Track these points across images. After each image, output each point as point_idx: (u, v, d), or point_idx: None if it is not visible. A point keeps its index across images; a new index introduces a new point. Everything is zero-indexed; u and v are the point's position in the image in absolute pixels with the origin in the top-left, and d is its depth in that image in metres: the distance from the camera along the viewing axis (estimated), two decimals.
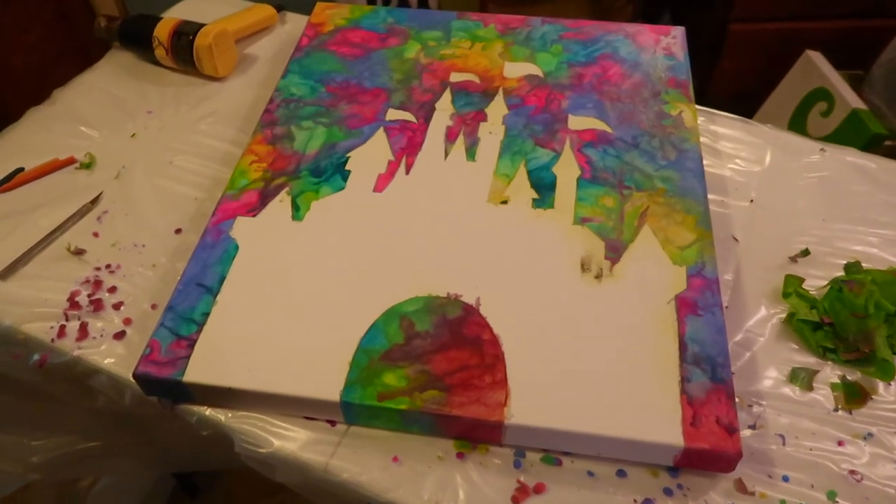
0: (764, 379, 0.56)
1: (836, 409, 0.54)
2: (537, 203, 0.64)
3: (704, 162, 0.69)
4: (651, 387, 0.51)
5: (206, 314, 0.56)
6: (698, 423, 0.50)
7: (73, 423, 0.74)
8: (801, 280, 0.61)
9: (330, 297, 0.57)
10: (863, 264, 0.62)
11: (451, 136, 0.71)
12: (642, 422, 0.50)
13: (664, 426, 0.49)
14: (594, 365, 0.53)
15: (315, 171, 0.67)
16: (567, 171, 0.68)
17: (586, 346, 0.54)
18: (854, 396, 0.55)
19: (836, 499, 0.49)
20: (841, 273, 0.62)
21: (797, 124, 1.25)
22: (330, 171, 0.67)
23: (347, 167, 0.68)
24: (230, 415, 0.53)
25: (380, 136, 0.71)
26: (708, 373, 0.52)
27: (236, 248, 0.61)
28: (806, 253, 0.64)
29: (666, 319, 0.56)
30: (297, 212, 0.64)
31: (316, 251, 0.61)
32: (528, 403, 0.51)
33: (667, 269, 0.59)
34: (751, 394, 0.55)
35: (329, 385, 0.52)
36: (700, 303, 0.57)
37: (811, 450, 0.52)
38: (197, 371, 0.52)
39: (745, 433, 0.53)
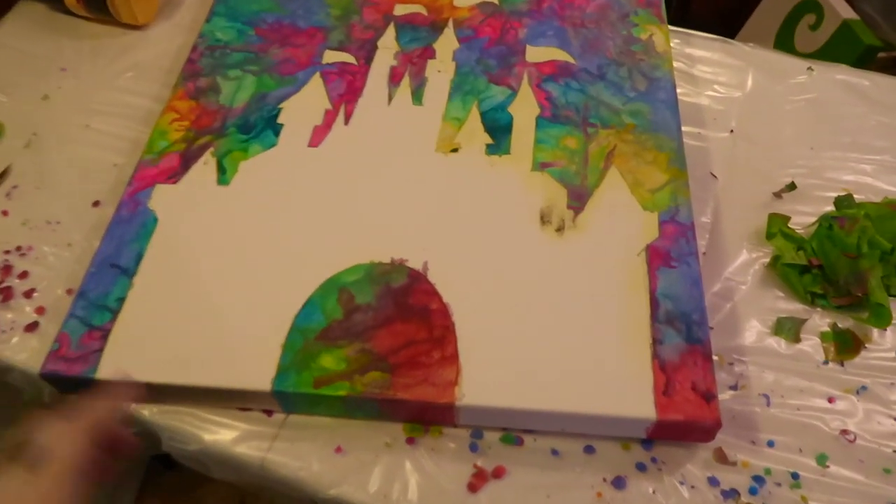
0: (746, 332, 0.51)
1: (825, 362, 0.49)
2: (491, 149, 0.58)
3: (679, 90, 0.62)
4: (619, 353, 0.46)
5: (122, 300, 0.50)
6: (672, 392, 0.44)
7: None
8: (787, 219, 0.55)
9: (261, 271, 0.51)
10: (855, 197, 0.56)
11: (395, 78, 0.64)
12: (609, 394, 0.44)
13: (634, 398, 0.44)
14: (555, 333, 0.47)
15: (243, 127, 0.60)
16: (525, 110, 0.60)
17: (546, 311, 0.48)
18: (846, 346, 0.50)
19: (827, 463, 0.45)
20: (831, 208, 0.56)
21: (784, 41, 1.16)
22: (260, 126, 0.60)
23: (280, 120, 0.60)
24: (155, 410, 0.48)
25: (316, 83, 0.63)
26: (682, 333, 0.47)
27: (155, 221, 0.54)
28: (792, 187, 0.58)
29: (635, 274, 0.50)
30: (223, 175, 0.57)
31: (245, 219, 0.54)
32: (481, 381, 0.45)
33: (636, 216, 0.53)
34: (731, 350, 0.50)
35: (260, 373, 0.46)
36: (673, 252, 0.51)
37: (798, 409, 0.47)
38: (111, 366, 0.47)
39: (726, 396, 0.48)
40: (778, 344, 0.50)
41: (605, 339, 0.47)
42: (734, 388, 0.48)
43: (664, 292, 0.49)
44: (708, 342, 0.46)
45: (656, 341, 0.46)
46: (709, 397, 0.44)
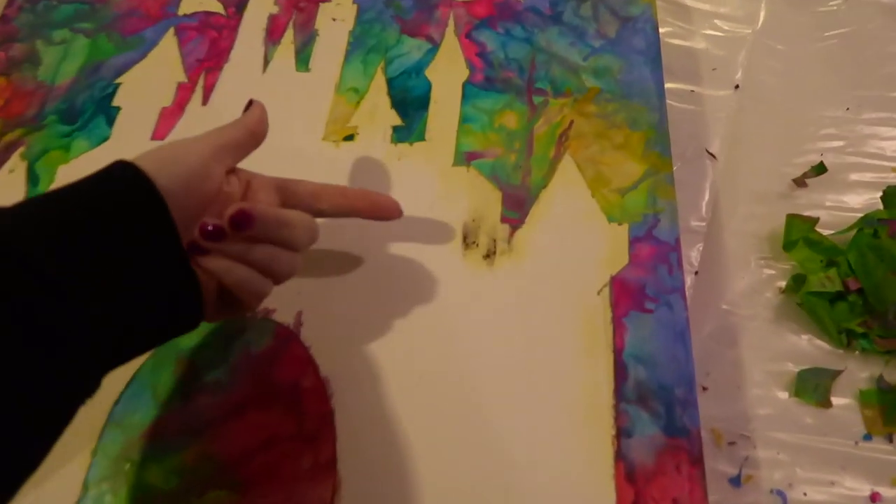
0: (753, 393, 0.36)
1: (867, 437, 0.35)
2: (400, 134, 0.41)
3: (663, 30, 0.45)
4: (565, 451, 0.32)
5: None
6: None
7: None
8: (813, 221, 0.39)
9: None
10: None
11: (273, 33, 0.46)
12: None
13: None
14: (474, 421, 0.33)
15: (68, 114, 0.44)
16: (448, 73, 0.44)
17: (464, 385, 0.34)
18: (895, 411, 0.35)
19: None
20: (877, 203, 0.40)
21: None
22: (90, 112, 0.44)
23: (116, 102, 0.44)
24: None
25: (168, 45, 0.47)
26: (660, 418, 0.32)
27: None
28: (820, 169, 0.41)
29: (593, 324, 0.35)
30: (34, 187, 0.41)
31: None
32: (370, 500, 0.31)
33: (597, 231, 0.37)
34: (732, 421, 0.36)
35: (60, 491, 0.33)
36: (650, 288, 0.35)
37: None
38: None
39: (724, 494, 0.34)
40: (798, 409, 0.35)
41: (546, 427, 0.32)
42: (736, 481, 0.34)
43: (635, 352, 0.34)
44: (697, 434, 0.32)
45: (622, 432, 0.32)
46: None
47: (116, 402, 0.34)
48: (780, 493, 0.33)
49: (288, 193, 0.33)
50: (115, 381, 0.35)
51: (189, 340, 0.36)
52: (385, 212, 0.35)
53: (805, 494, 0.33)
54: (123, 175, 0.27)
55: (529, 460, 0.32)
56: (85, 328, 0.25)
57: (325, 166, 0.40)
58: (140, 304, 0.26)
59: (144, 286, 0.26)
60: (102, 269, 0.25)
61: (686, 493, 0.30)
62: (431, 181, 0.39)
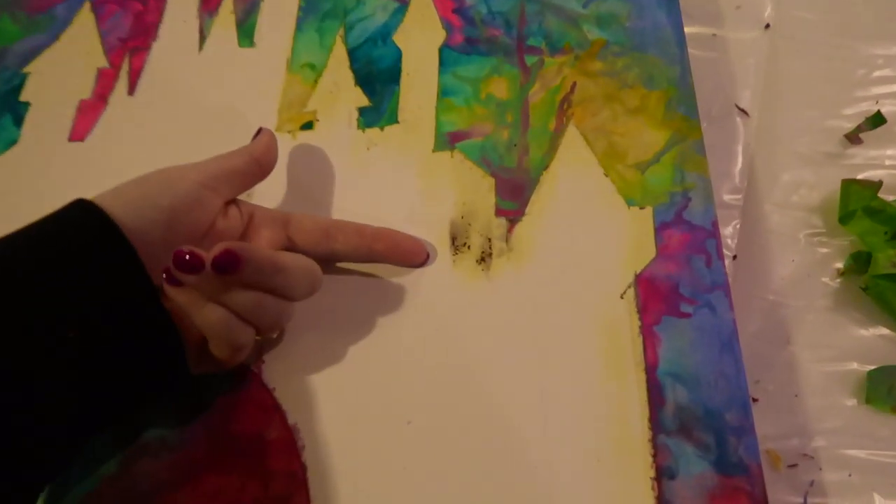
0: (813, 400, 0.30)
1: None
2: (368, 117, 0.34)
3: None
4: (592, 502, 0.26)
5: None
6: None
7: None
8: (875, 186, 0.32)
9: None
10: None
11: (209, 2, 0.39)
12: None
13: None
14: (477, 466, 0.26)
15: None
16: (421, 36, 0.36)
17: (462, 424, 0.27)
18: None
19: None
20: None
21: None
22: None
23: (24, 97, 0.37)
24: None
25: (83, 23, 0.39)
26: (710, 451, 0.26)
27: None
28: (877, 121, 0.34)
29: (617, 336, 0.28)
30: None
31: None
32: None
33: (615, 218, 0.30)
34: (791, 439, 0.29)
35: None
36: (685, 286, 0.29)
37: None
38: None
39: None
40: (872, 420, 0.29)
41: (568, 476, 0.26)
42: None
43: (672, 369, 0.27)
44: (758, 469, 0.25)
45: (662, 472, 0.26)
46: None
47: None
48: None
49: (295, 230, 0.29)
50: None
51: None
52: (409, 256, 0.30)
53: None
54: (81, 220, 0.24)
55: None
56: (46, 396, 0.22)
57: (280, 163, 0.33)
58: (109, 356, 0.23)
59: (111, 337, 0.23)
60: (58, 325, 0.22)
61: None
62: (409, 173, 0.32)
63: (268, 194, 0.33)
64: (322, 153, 0.34)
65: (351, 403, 0.28)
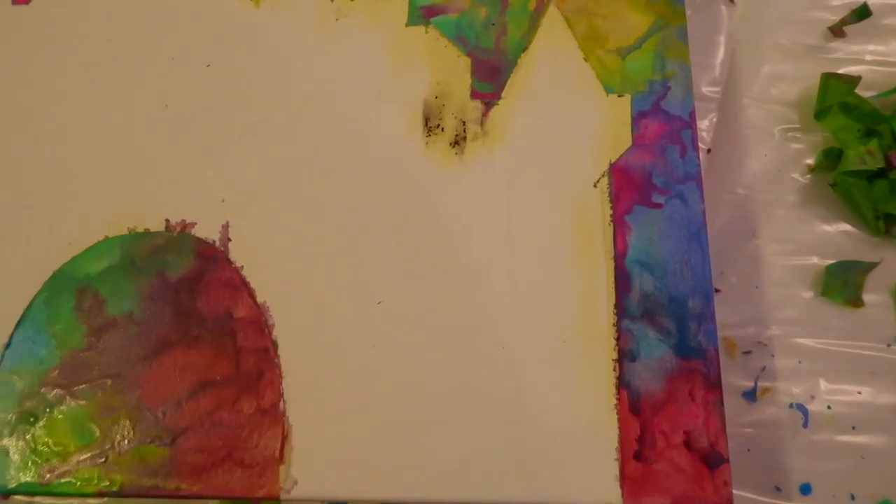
0: (772, 292, 0.31)
1: None
2: None
3: None
4: (556, 380, 0.26)
5: None
6: (649, 453, 0.26)
7: None
8: (854, 81, 0.32)
9: None
10: None
11: None
12: (537, 464, 0.26)
13: (583, 465, 0.26)
14: (445, 347, 0.27)
15: None
16: None
17: (431, 305, 0.28)
18: None
19: None
20: None
21: None
22: None
23: None
24: None
25: None
26: (671, 336, 0.27)
27: None
28: (862, 14, 0.34)
29: (588, 224, 0.28)
30: None
31: None
32: (323, 452, 0.26)
33: (592, 105, 0.30)
34: (747, 326, 0.30)
35: None
36: (658, 176, 0.28)
37: (854, 428, 0.29)
38: None
39: (737, 411, 0.29)
40: (825, 312, 0.30)
41: (534, 355, 0.27)
42: (751, 395, 0.30)
43: (640, 257, 0.28)
44: (715, 354, 0.26)
45: (624, 355, 0.27)
46: (714, 461, 0.25)
47: (7, 346, 0.28)
48: (801, 408, 0.29)
49: None
50: (3, 320, 0.28)
51: (88, 266, 0.29)
52: None
53: (829, 408, 0.29)
54: None
55: (514, 394, 0.26)
56: None
57: (242, 34, 0.32)
58: None
59: None
60: None
61: (701, 423, 0.26)
62: (380, 48, 0.31)
63: (227, 67, 0.31)
64: (286, 25, 0.32)
65: (320, 283, 0.28)
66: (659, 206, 0.28)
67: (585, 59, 0.30)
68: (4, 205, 0.30)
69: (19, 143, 0.30)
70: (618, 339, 0.27)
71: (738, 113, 0.33)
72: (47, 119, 0.31)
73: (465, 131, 0.30)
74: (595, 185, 0.29)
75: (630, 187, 0.28)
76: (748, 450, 0.29)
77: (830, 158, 0.31)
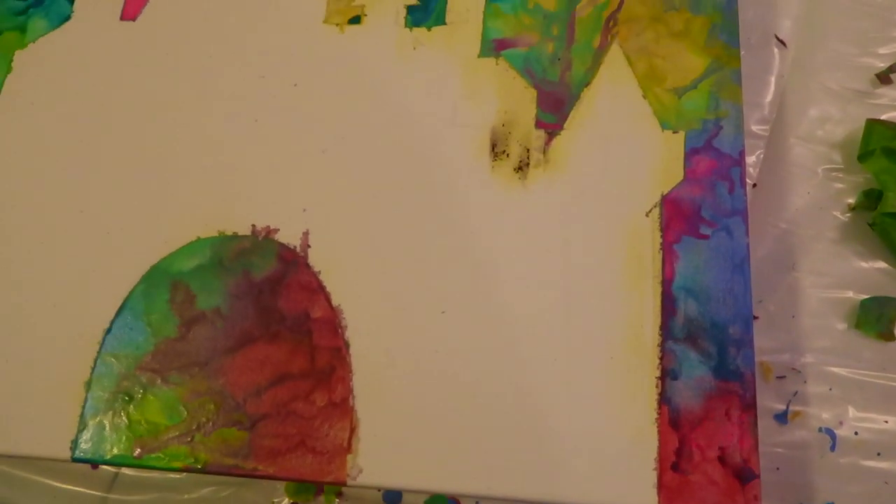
0: (808, 321, 0.33)
1: None
2: (415, 16, 0.35)
3: None
4: (603, 393, 0.29)
5: None
6: (687, 464, 0.28)
7: None
8: None
9: (41, 253, 0.33)
10: None
11: None
12: (582, 469, 0.28)
13: (623, 475, 0.28)
14: (504, 356, 0.30)
15: None
16: None
17: (492, 316, 0.30)
18: None
19: None
20: None
21: None
22: None
23: None
24: None
25: None
26: (711, 358, 0.29)
27: None
28: None
29: (639, 250, 0.30)
30: None
31: (22, 161, 0.34)
32: (389, 445, 0.29)
33: (649, 140, 0.32)
34: (782, 353, 0.33)
35: (52, 432, 0.30)
36: (707, 209, 0.31)
37: (880, 454, 0.31)
38: None
39: (768, 432, 0.31)
40: (858, 343, 0.32)
41: (584, 369, 0.29)
42: (782, 418, 0.32)
43: (686, 284, 0.30)
44: (751, 378, 0.28)
45: (667, 373, 0.29)
46: (745, 476, 0.28)
47: (108, 331, 0.31)
48: (829, 432, 0.31)
49: None
50: (104, 306, 0.31)
51: (181, 263, 0.32)
52: None
53: (856, 434, 0.31)
54: None
55: (564, 402, 0.29)
56: None
57: (328, 56, 0.34)
58: None
59: None
60: None
61: (735, 441, 0.28)
62: (453, 76, 0.34)
63: (312, 87, 0.34)
64: (368, 49, 0.35)
65: (390, 291, 0.31)
66: (706, 237, 0.30)
67: (644, 97, 0.33)
68: (110, 205, 0.33)
69: (126, 150, 0.34)
70: (661, 359, 0.29)
71: (784, 151, 0.35)
72: (150, 129, 0.34)
73: (528, 158, 0.32)
74: (647, 215, 0.31)
75: (680, 218, 0.31)
76: (777, 468, 0.31)
77: (870, 199, 0.33)
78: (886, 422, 0.31)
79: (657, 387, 0.29)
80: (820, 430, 0.31)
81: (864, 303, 0.32)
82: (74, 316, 0.31)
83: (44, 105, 0.35)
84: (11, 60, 0.36)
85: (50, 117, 0.35)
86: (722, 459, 0.28)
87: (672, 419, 0.28)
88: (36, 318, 0.31)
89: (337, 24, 0.35)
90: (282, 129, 0.33)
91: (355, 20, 0.35)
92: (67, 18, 0.36)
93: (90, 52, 0.36)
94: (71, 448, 0.30)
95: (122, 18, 0.36)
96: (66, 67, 0.35)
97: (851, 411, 0.31)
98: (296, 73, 0.34)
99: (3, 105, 0.35)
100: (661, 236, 0.30)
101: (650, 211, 0.31)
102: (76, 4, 0.36)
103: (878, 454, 0.31)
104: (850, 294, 0.33)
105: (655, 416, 0.28)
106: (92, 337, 0.31)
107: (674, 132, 0.32)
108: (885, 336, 0.32)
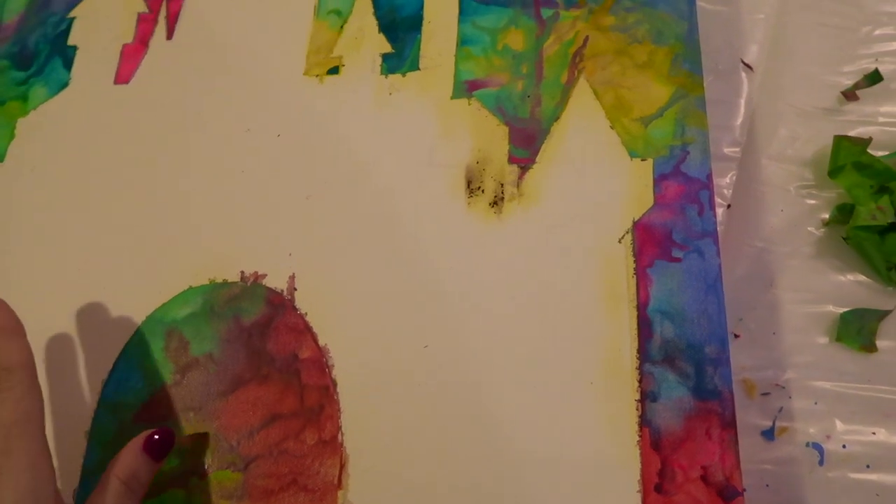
0: (790, 337, 0.33)
1: None
2: (390, 63, 0.36)
3: None
4: (584, 418, 0.29)
5: None
6: (670, 484, 0.28)
7: None
8: (865, 143, 0.34)
9: (41, 306, 0.34)
10: None
11: None
12: (566, 493, 0.28)
13: (608, 496, 0.28)
14: (485, 386, 0.30)
15: (20, 58, 0.40)
16: None
17: (472, 348, 0.31)
18: None
19: None
20: None
21: None
22: (44, 54, 0.39)
23: (72, 40, 0.40)
24: None
25: None
26: (689, 379, 0.29)
27: None
28: (874, 79, 0.36)
29: (614, 276, 0.31)
30: None
31: (21, 220, 0.36)
32: (378, 477, 0.30)
33: (618, 169, 0.33)
34: (765, 368, 0.33)
35: (60, 477, 0.31)
36: (678, 233, 0.31)
37: (869, 467, 0.31)
38: None
39: (754, 449, 0.32)
40: (840, 356, 0.32)
41: (564, 396, 0.30)
42: (769, 434, 0.32)
43: (661, 307, 0.30)
44: (729, 396, 0.29)
45: (646, 396, 0.29)
46: (728, 494, 0.28)
47: (106, 383, 0.33)
48: (817, 446, 0.31)
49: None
50: (103, 358, 0.33)
51: (174, 311, 0.33)
52: None
53: (844, 447, 0.31)
54: None
55: (546, 429, 0.29)
56: None
57: (309, 106, 0.36)
58: None
59: None
60: None
61: (717, 459, 0.28)
62: (428, 118, 0.35)
63: (295, 136, 0.35)
64: (347, 97, 0.36)
65: (374, 329, 0.32)
66: (678, 260, 0.31)
67: (612, 127, 0.34)
68: (107, 260, 0.35)
69: (121, 206, 0.35)
70: (640, 381, 0.29)
71: (756, 171, 0.36)
72: (143, 185, 0.36)
73: (503, 192, 0.33)
74: (620, 241, 0.32)
75: (652, 243, 0.31)
76: (767, 485, 0.31)
77: (844, 213, 0.34)
78: (874, 433, 0.31)
79: (637, 409, 0.29)
80: (807, 444, 0.31)
81: (844, 316, 0.33)
82: (75, 368, 0.33)
83: (44, 169, 0.37)
84: (14, 128, 0.38)
85: (50, 179, 0.37)
86: (705, 479, 0.28)
87: (653, 441, 0.29)
88: (38, 370, 0.33)
89: (317, 76, 0.37)
90: (267, 178, 0.35)
91: (334, 70, 0.37)
92: (66, 85, 0.38)
93: (87, 115, 0.38)
94: (75, 498, 0.31)
95: (116, 82, 0.38)
96: (64, 131, 0.38)
97: (838, 425, 0.31)
98: (279, 124, 0.36)
99: (7, 170, 0.37)
100: (635, 261, 0.31)
101: (622, 237, 0.32)
102: (73, 72, 0.39)
103: (868, 466, 0.31)
104: (830, 308, 0.33)
105: (637, 438, 0.29)
106: (92, 389, 0.32)
107: (642, 160, 0.33)
108: (867, 348, 0.32)
